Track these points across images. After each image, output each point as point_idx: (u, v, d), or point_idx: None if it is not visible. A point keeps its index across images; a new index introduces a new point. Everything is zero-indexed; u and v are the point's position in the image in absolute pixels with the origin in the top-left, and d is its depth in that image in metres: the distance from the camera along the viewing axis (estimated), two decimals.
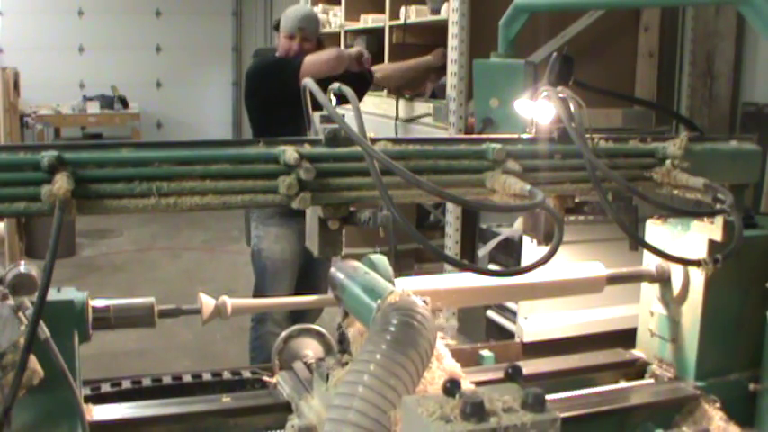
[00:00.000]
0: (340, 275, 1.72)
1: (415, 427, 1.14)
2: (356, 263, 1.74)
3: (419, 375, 1.38)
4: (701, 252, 1.92)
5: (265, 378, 1.99)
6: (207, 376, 2.00)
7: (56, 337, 1.41)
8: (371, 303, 1.51)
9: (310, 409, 1.73)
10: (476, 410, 1.10)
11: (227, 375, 2.01)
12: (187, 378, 1.99)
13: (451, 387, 1.15)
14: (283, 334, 2.02)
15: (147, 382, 1.96)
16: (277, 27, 4.07)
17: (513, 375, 1.25)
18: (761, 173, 1.98)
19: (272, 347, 2.03)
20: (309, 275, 3.88)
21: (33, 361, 1.40)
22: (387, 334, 1.38)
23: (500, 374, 1.98)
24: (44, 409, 1.52)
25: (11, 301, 1.41)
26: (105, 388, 1.92)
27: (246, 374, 2.02)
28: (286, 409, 1.82)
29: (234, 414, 1.83)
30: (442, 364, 1.65)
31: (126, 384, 1.94)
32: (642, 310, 2.19)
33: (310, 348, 2.00)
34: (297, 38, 3.93)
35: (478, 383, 1.56)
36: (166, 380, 1.98)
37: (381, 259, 1.74)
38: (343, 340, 1.76)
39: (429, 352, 1.41)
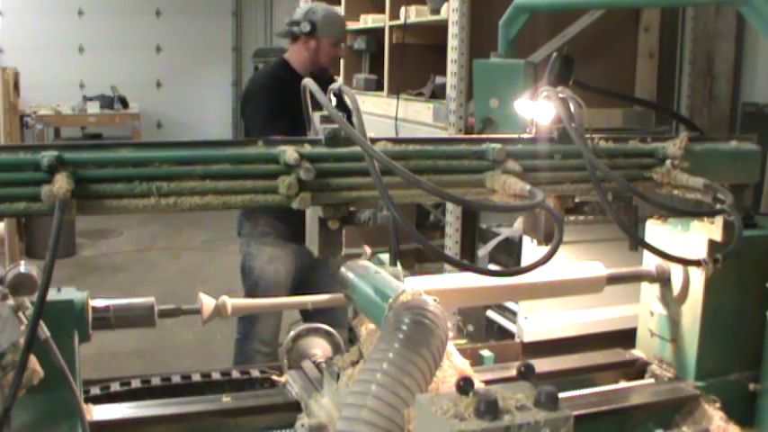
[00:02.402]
0: (351, 275, 1.72)
1: (430, 425, 1.14)
2: (367, 262, 1.74)
3: (432, 374, 1.39)
4: (701, 252, 1.92)
5: (274, 377, 1.99)
6: (216, 375, 2.00)
7: (56, 337, 1.41)
8: (383, 303, 1.51)
9: (320, 407, 1.74)
10: (490, 408, 1.10)
11: (236, 375, 2.01)
12: (196, 377, 1.99)
13: (465, 385, 1.15)
14: (292, 333, 2.02)
15: (156, 381, 1.96)
16: (312, 32, 3.65)
17: (526, 374, 1.25)
18: (761, 173, 1.98)
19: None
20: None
21: (33, 361, 1.40)
22: (399, 333, 1.39)
23: (500, 374, 2.01)
24: (44, 409, 1.52)
25: (11, 301, 1.41)
26: (114, 387, 1.92)
27: (255, 374, 2.02)
28: (294, 408, 1.82)
29: (243, 413, 1.83)
30: (453, 362, 1.65)
31: (135, 383, 1.93)
32: (642, 310, 2.19)
33: (318, 348, 2.01)
34: (342, 44, 3.81)
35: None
36: (175, 379, 1.98)
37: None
38: (353, 339, 1.75)
39: (441, 351, 1.41)
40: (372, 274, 1.67)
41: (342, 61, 5.63)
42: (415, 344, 1.37)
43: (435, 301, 1.48)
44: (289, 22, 3.82)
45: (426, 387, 1.37)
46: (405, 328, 1.39)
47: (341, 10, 5.50)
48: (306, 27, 3.65)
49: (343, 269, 1.76)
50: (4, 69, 5.71)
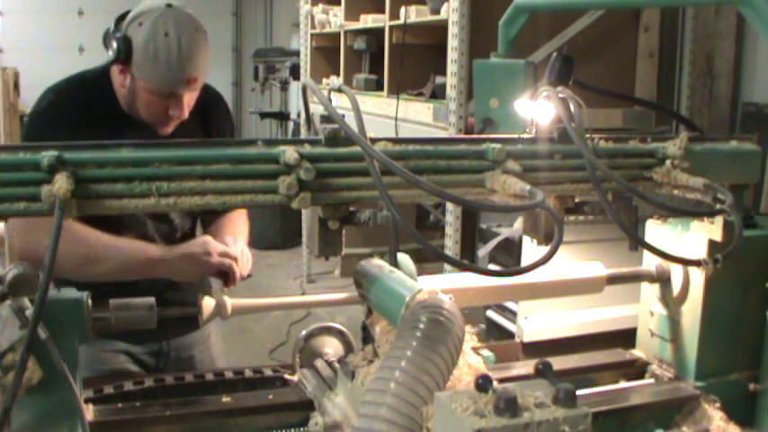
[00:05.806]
0: (365, 274, 1.72)
1: (449, 422, 1.15)
2: (381, 261, 1.74)
3: (449, 372, 1.40)
4: (701, 252, 1.92)
5: (287, 376, 1.99)
6: (229, 374, 2.01)
7: (56, 337, 1.41)
8: (399, 302, 1.51)
9: (335, 406, 1.74)
10: (509, 406, 1.11)
11: (249, 373, 2.01)
12: (209, 376, 2.00)
13: (484, 383, 1.16)
14: (303, 332, 2.03)
15: (170, 380, 1.96)
16: (124, 57, 2.11)
17: (544, 371, 1.26)
18: (761, 173, 1.98)
19: None
20: None
21: (33, 361, 1.40)
22: (417, 331, 1.39)
23: (501, 374, 2.01)
24: (44, 409, 1.52)
25: (11, 301, 1.41)
26: (128, 386, 1.92)
27: (268, 372, 2.02)
28: (308, 406, 1.83)
29: (255, 412, 1.83)
30: (467, 361, 1.65)
31: (149, 382, 1.94)
32: (642, 310, 2.19)
33: (330, 346, 2.01)
34: (182, 96, 2.16)
35: None
36: (188, 378, 1.98)
37: (405, 258, 1.75)
38: (367, 338, 1.76)
39: (458, 349, 1.42)
40: (387, 273, 1.67)
41: (342, 61, 5.63)
42: (432, 342, 1.37)
43: (450, 299, 1.49)
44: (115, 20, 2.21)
45: (444, 385, 1.38)
46: (422, 326, 1.40)
47: (341, 10, 5.49)
48: (117, 45, 2.11)
49: (357, 268, 1.76)
50: (4, 69, 5.72)
